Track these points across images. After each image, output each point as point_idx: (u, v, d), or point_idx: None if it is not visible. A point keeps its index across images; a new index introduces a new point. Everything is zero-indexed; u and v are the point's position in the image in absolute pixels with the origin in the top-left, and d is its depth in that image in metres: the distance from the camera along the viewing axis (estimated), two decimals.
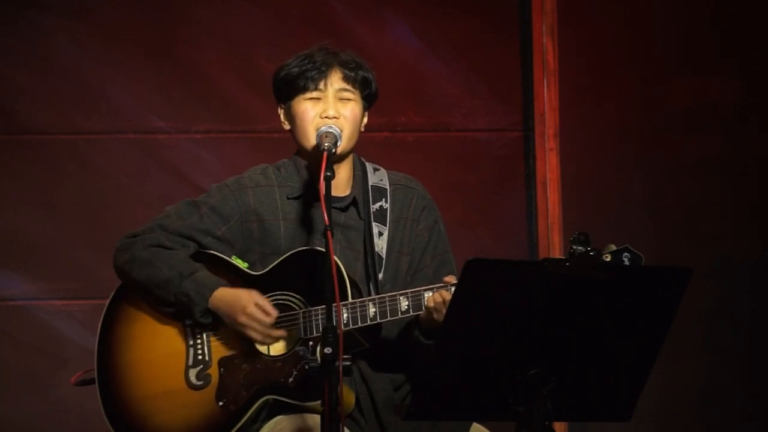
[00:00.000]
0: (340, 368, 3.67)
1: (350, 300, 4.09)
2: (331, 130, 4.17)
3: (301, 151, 4.32)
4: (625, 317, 3.56)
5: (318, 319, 4.12)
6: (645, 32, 6.21)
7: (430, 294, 4.06)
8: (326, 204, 3.88)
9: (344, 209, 4.30)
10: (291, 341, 4.18)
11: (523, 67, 6.19)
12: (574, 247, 3.54)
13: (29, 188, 6.03)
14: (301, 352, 4.14)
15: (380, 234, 4.29)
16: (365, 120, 4.33)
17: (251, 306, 4.11)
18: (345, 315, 4.08)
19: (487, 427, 4.20)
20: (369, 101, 4.32)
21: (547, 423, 3.52)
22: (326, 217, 3.85)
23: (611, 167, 6.19)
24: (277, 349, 4.19)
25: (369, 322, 4.09)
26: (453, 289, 4.01)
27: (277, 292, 4.18)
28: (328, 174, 3.97)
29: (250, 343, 4.17)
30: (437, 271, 4.29)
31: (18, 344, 5.99)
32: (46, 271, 6.01)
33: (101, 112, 6.08)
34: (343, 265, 4.13)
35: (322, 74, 4.25)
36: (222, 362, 4.19)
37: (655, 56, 6.21)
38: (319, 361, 3.71)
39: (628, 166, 6.19)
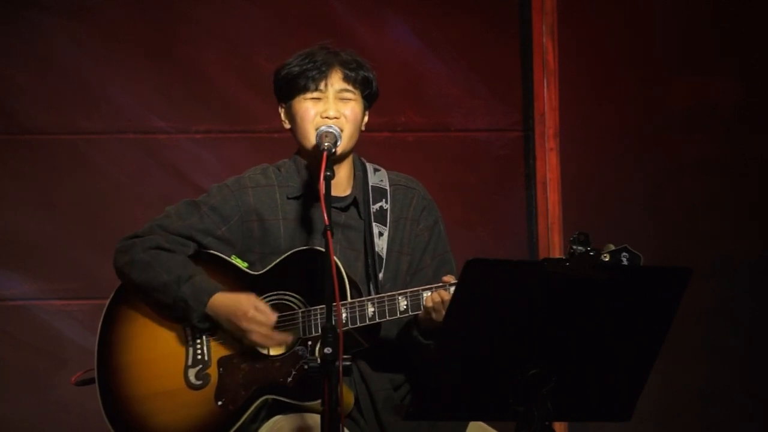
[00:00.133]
0: (340, 368, 3.67)
1: (349, 300, 4.09)
2: (331, 130, 4.16)
3: (301, 150, 4.32)
4: (625, 317, 3.56)
5: (317, 319, 4.12)
6: (645, 32, 6.21)
7: (429, 294, 4.06)
8: (326, 204, 3.88)
9: (345, 209, 4.30)
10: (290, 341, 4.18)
11: (523, 67, 6.18)
12: (574, 247, 3.54)
13: (29, 188, 6.03)
14: (300, 352, 4.14)
15: (380, 234, 4.29)
16: (366, 119, 4.32)
17: (252, 310, 4.11)
18: (344, 315, 4.07)
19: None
20: (369, 101, 4.31)
21: (547, 423, 3.52)
22: (326, 217, 3.84)
23: (611, 167, 6.18)
24: (277, 348, 4.19)
25: (368, 322, 4.09)
26: (451, 289, 4.01)
27: (277, 292, 4.18)
28: (328, 174, 3.96)
29: None
30: (437, 271, 4.29)
31: (18, 344, 5.99)
32: (46, 271, 6.01)
33: (101, 112, 6.07)
34: (344, 265, 4.13)
35: (323, 74, 4.24)
36: (221, 362, 4.19)
37: (655, 56, 6.21)
38: (318, 361, 3.70)
39: (628, 166, 6.19)
